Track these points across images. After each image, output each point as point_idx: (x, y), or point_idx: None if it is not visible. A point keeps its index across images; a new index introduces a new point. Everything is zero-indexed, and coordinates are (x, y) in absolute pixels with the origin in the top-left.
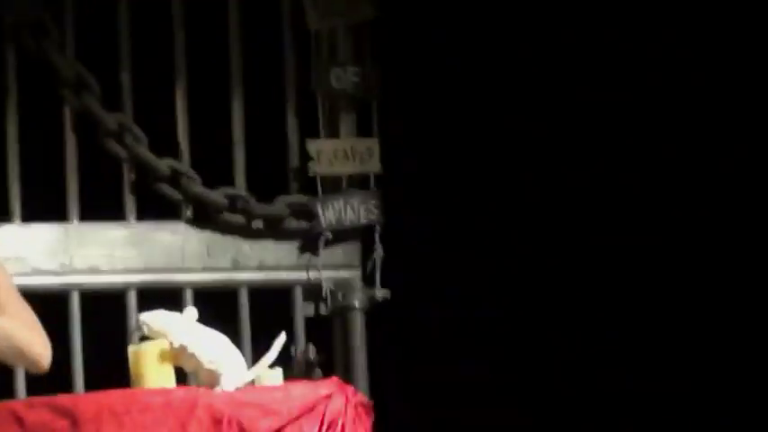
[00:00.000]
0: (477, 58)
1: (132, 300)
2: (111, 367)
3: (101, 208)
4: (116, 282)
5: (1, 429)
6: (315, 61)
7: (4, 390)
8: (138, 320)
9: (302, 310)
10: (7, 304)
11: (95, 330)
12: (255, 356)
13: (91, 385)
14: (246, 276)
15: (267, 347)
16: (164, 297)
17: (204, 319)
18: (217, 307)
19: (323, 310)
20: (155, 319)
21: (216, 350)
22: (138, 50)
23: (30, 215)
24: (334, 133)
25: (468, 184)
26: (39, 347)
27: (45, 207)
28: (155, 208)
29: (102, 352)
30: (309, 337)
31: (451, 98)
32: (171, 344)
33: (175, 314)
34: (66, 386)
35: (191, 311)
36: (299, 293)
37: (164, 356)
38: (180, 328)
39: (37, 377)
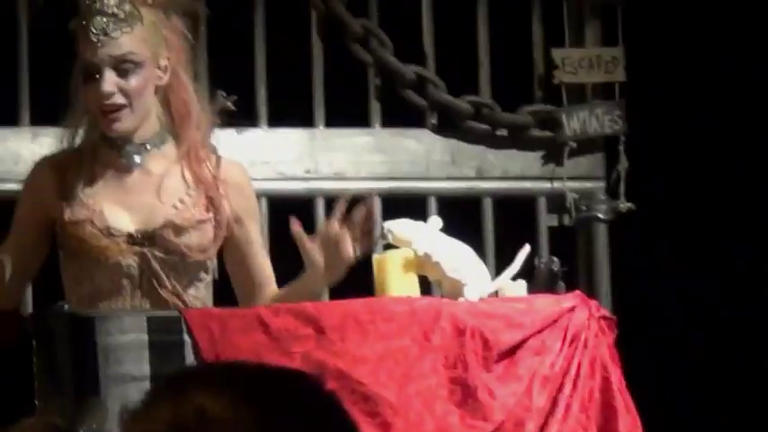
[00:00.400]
0: None
1: (376, 207)
2: (353, 274)
3: (346, 114)
4: (360, 188)
5: (247, 334)
6: None
7: None
8: (382, 228)
9: (545, 220)
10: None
11: None
12: (498, 267)
13: (333, 293)
14: (490, 185)
15: (510, 258)
16: (407, 205)
17: (447, 228)
18: (460, 216)
19: (566, 221)
20: (400, 226)
21: (460, 260)
22: None
23: (276, 120)
24: (579, 42)
25: (720, 93)
26: None
27: (291, 112)
28: (399, 114)
29: None
30: (552, 249)
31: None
32: (415, 252)
33: (420, 223)
34: None
35: (435, 220)
36: (542, 204)
37: (408, 265)
38: (424, 237)
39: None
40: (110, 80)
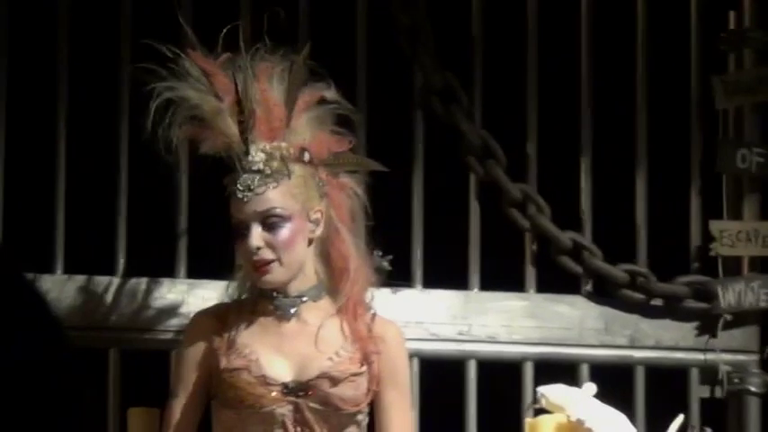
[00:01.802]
0: None
1: (528, 371)
2: None
3: (500, 277)
4: (513, 352)
5: None
6: (720, 141)
7: None
8: (536, 392)
9: (697, 391)
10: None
11: (490, 399)
12: None
13: None
14: (643, 354)
15: (660, 428)
16: (559, 370)
17: (598, 394)
18: (611, 382)
19: (718, 393)
20: (553, 392)
21: (613, 427)
22: (544, 121)
23: (431, 281)
24: (737, 215)
25: None
26: None
27: (445, 273)
28: (551, 279)
29: (496, 421)
30: (703, 420)
31: None
32: (568, 418)
33: (574, 389)
34: None
35: (589, 387)
36: (695, 375)
37: (561, 430)
38: (578, 403)
39: None
40: (257, 235)
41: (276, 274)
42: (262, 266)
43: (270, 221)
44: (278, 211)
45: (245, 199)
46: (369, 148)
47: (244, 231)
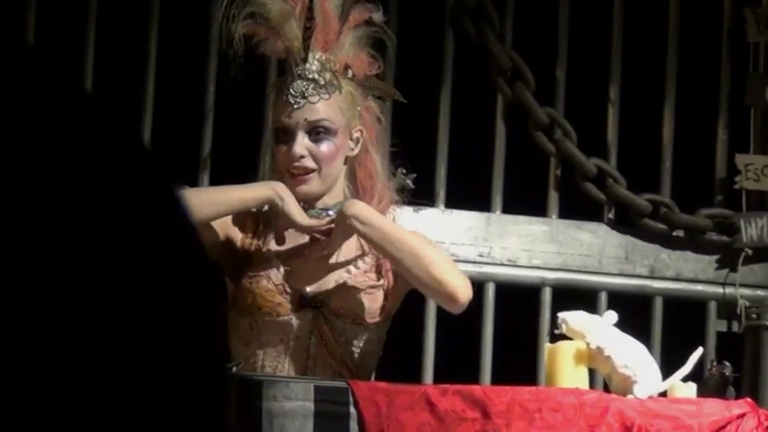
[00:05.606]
0: None
1: (546, 296)
2: (517, 361)
3: (522, 201)
4: (532, 276)
5: (413, 411)
6: (751, 74)
7: (411, 372)
8: (556, 318)
9: (714, 325)
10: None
11: (507, 323)
12: (664, 367)
13: (497, 377)
14: (662, 285)
15: (674, 358)
16: (577, 297)
17: (617, 323)
18: (629, 312)
19: (735, 327)
20: (575, 318)
21: (632, 356)
22: (574, 46)
23: (453, 201)
24: (763, 149)
25: None
26: (455, 279)
27: (468, 194)
28: (574, 206)
29: (511, 344)
30: (719, 354)
31: None
32: (588, 344)
33: (595, 316)
34: (473, 375)
35: (610, 315)
36: (713, 308)
37: (580, 357)
38: (598, 330)
39: (444, 363)
40: (302, 143)
41: (313, 185)
42: (300, 175)
43: (316, 132)
44: (326, 123)
45: (297, 105)
46: (398, 64)
47: (288, 138)
